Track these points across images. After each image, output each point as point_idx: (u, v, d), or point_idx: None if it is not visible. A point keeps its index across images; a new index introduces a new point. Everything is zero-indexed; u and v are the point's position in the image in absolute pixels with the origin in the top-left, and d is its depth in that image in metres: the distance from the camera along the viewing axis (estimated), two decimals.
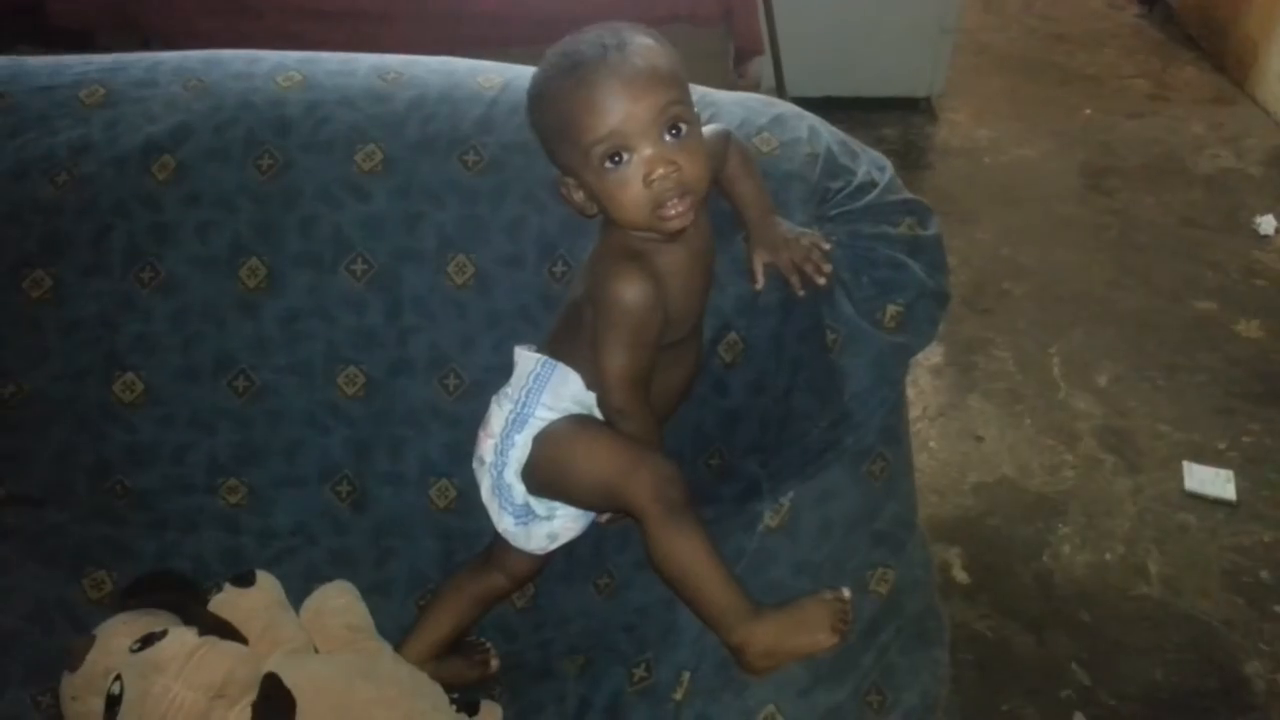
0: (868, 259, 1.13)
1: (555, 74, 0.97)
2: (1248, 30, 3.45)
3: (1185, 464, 2.04)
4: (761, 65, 3.01)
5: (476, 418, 1.12)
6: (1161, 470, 2.04)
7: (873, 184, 1.20)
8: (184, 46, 1.36)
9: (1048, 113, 3.34)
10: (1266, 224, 2.76)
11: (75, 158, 1.21)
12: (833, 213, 1.17)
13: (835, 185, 1.19)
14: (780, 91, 3.02)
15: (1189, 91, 3.48)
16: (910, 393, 2.25)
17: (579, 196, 1.01)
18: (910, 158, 3.11)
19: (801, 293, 1.10)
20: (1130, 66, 3.64)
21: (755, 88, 3.13)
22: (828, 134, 1.25)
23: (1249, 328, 2.42)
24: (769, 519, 1.06)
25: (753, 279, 1.13)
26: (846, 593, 0.99)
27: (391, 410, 1.18)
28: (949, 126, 3.28)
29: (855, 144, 1.27)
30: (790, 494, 1.07)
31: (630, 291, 0.99)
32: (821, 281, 1.09)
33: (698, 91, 1.20)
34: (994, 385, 2.27)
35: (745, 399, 1.16)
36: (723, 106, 1.26)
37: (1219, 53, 3.62)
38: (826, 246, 1.11)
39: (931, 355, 2.33)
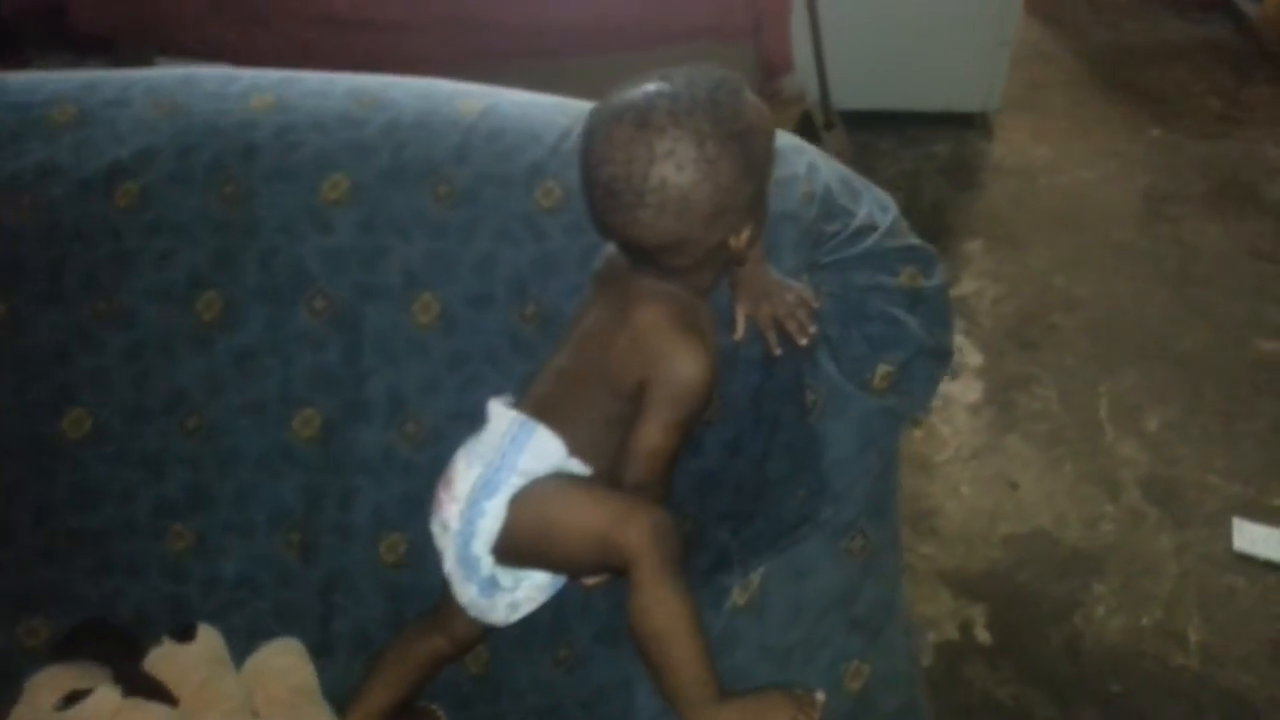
0: (860, 312, 1.04)
1: (739, 98, 0.90)
2: None
3: (1235, 521, 1.89)
4: (806, 78, 2.91)
5: (435, 467, 1.04)
6: (1209, 527, 1.90)
7: (873, 227, 1.10)
8: (198, 54, 1.32)
9: (1111, 132, 3.17)
10: None
11: (41, 180, 1.16)
12: (826, 259, 1.07)
13: (831, 228, 1.10)
14: (825, 105, 2.91)
15: (1265, 112, 3.28)
16: (945, 431, 2.14)
17: (742, 239, 0.93)
18: (961, 176, 2.98)
19: (778, 351, 1.01)
20: (1202, 84, 3.44)
21: (800, 101, 3.03)
22: (828, 170, 1.16)
23: None
24: (737, 596, 0.97)
25: (733, 328, 1.04)
26: (821, 697, 0.90)
27: (347, 456, 1.11)
28: (1005, 144, 3.13)
29: (859, 181, 1.17)
30: (761, 569, 0.97)
31: (702, 371, 0.93)
32: (803, 342, 1.00)
33: None
34: (1035, 426, 2.14)
35: (720, 460, 1.06)
36: None
37: None
38: (815, 305, 1.02)
39: (969, 392, 2.21)
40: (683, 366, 0.93)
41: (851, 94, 3.12)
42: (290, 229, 1.12)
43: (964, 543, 1.89)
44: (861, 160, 3.01)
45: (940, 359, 1.06)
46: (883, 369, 1.01)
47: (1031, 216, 2.80)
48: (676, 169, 0.86)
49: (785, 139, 1.19)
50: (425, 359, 1.11)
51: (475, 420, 1.03)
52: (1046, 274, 2.58)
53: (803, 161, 1.16)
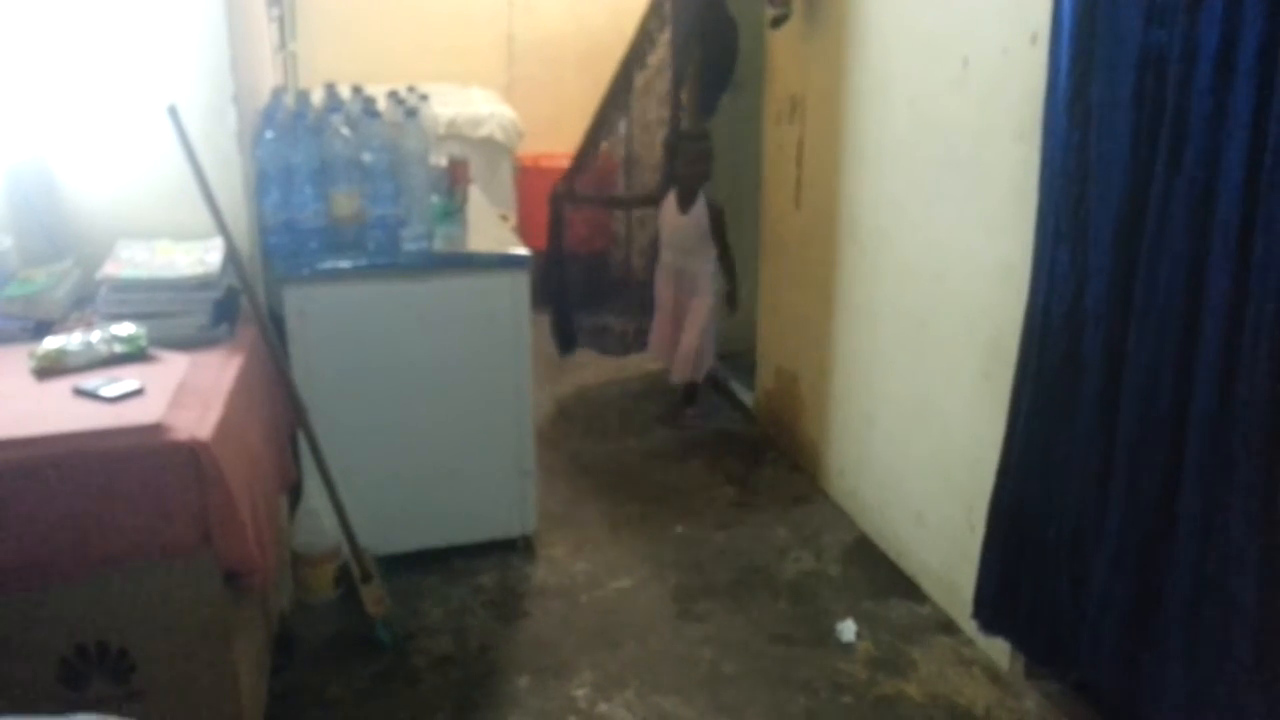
0: None
1: None
2: (809, 431, 3.74)
3: None
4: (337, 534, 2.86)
5: None
6: None
7: None
8: None
9: (642, 535, 3.36)
10: (847, 630, 2.80)
11: None
12: None
13: None
14: (357, 558, 2.85)
15: (771, 493, 3.66)
16: None
17: None
18: (507, 607, 2.97)
19: None
20: (718, 474, 3.80)
21: (334, 557, 2.95)
22: None
23: None
24: None
25: None
26: None
27: None
28: (547, 564, 3.20)
29: None
30: None
31: None
32: None
33: None
34: None
35: None
36: None
37: (793, 452, 3.89)
38: None
39: None
40: None
41: (394, 538, 3.12)
42: None
43: None
44: (407, 604, 2.93)
45: None
46: None
47: (575, 639, 2.81)
48: None
49: None
50: None
51: None
52: (592, 702, 2.55)
53: None
